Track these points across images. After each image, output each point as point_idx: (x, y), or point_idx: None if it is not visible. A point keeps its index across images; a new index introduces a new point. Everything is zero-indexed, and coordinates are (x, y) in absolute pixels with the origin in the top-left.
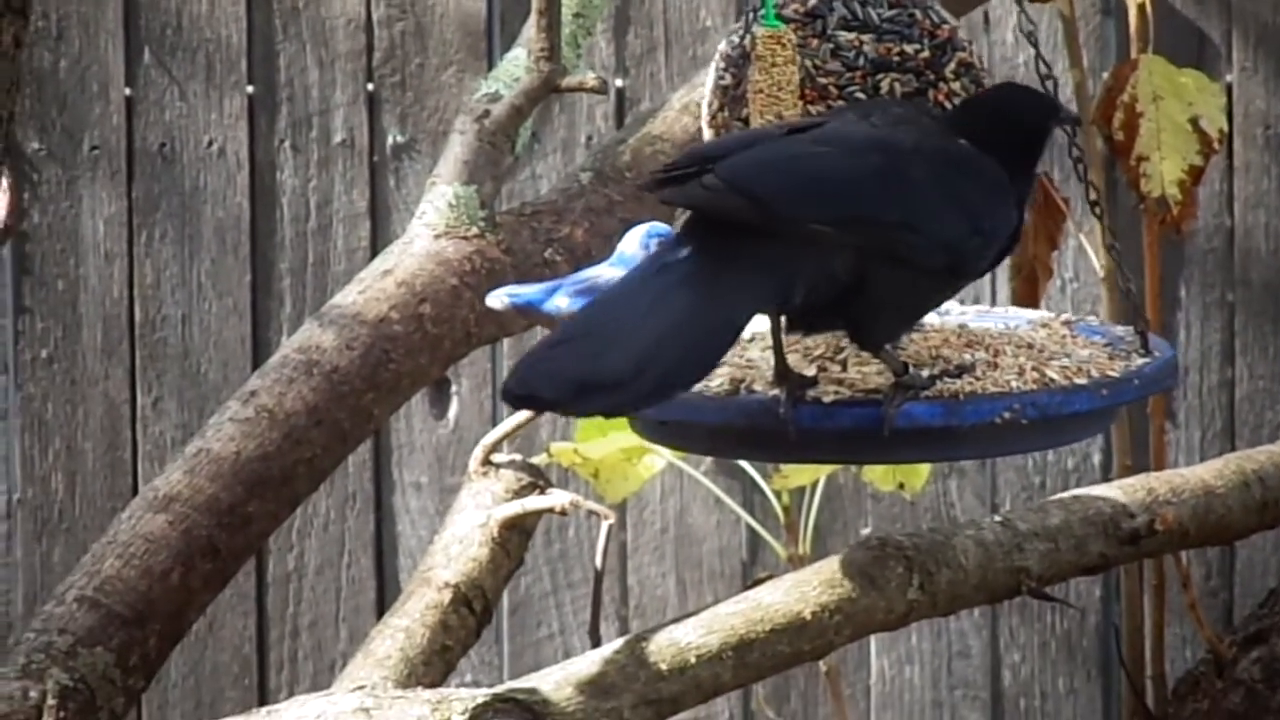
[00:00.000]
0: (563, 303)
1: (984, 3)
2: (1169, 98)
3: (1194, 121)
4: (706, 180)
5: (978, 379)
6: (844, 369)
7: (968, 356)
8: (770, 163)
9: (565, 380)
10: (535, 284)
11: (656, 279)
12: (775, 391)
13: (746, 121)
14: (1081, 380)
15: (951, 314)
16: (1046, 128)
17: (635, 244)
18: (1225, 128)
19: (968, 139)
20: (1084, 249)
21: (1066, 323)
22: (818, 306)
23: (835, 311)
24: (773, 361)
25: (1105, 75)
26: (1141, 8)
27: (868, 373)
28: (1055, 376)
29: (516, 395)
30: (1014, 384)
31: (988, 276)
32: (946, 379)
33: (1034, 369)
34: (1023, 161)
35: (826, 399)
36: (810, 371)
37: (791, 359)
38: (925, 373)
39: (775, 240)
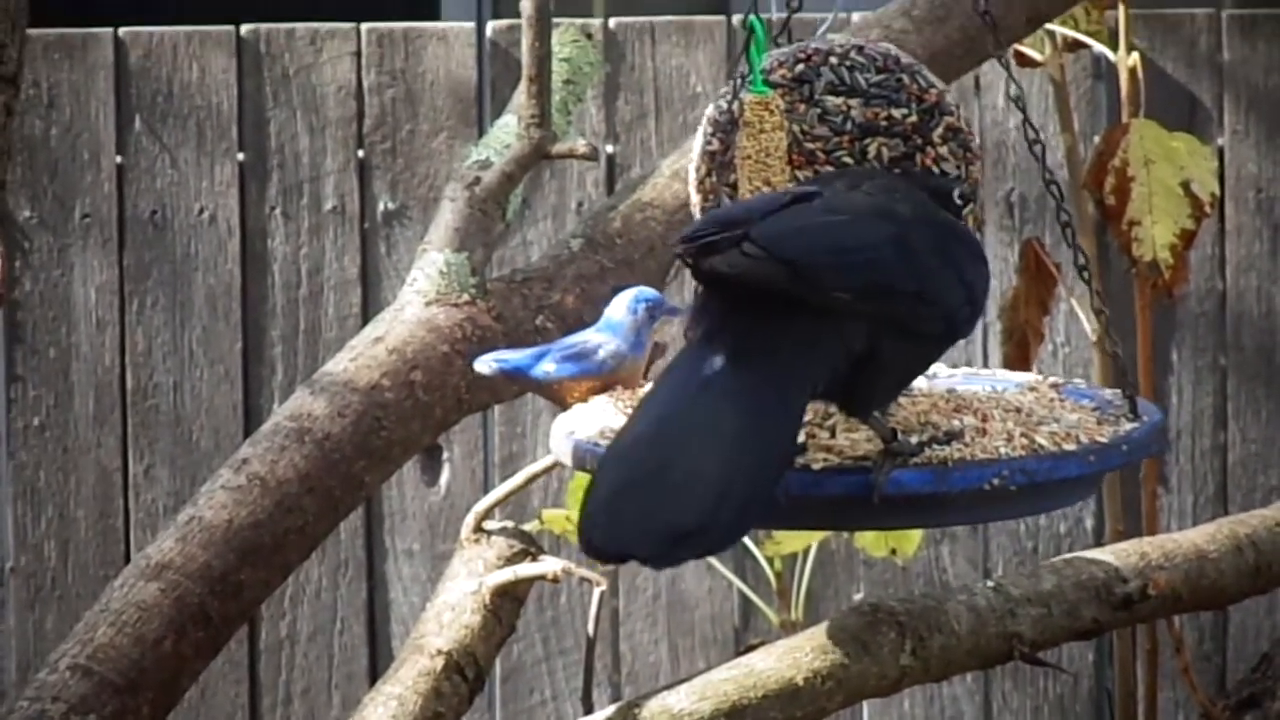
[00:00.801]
0: (550, 368)
1: (975, 67)
2: (1160, 162)
3: (1185, 185)
4: (746, 248)
5: (966, 445)
6: (832, 435)
7: (956, 422)
8: (800, 230)
9: (656, 535)
10: (523, 349)
11: (700, 400)
12: None
13: (734, 187)
14: (1070, 446)
15: (940, 378)
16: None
17: (623, 309)
18: (1217, 191)
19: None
20: (1075, 313)
21: (1055, 386)
22: (832, 386)
23: (840, 384)
24: None
25: (1097, 139)
26: (1133, 72)
27: (856, 439)
28: (1044, 442)
29: (609, 554)
30: (1002, 450)
31: (979, 340)
32: (935, 446)
33: (1023, 434)
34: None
35: (815, 466)
36: (799, 439)
37: None
38: (914, 439)
39: (799, 319)
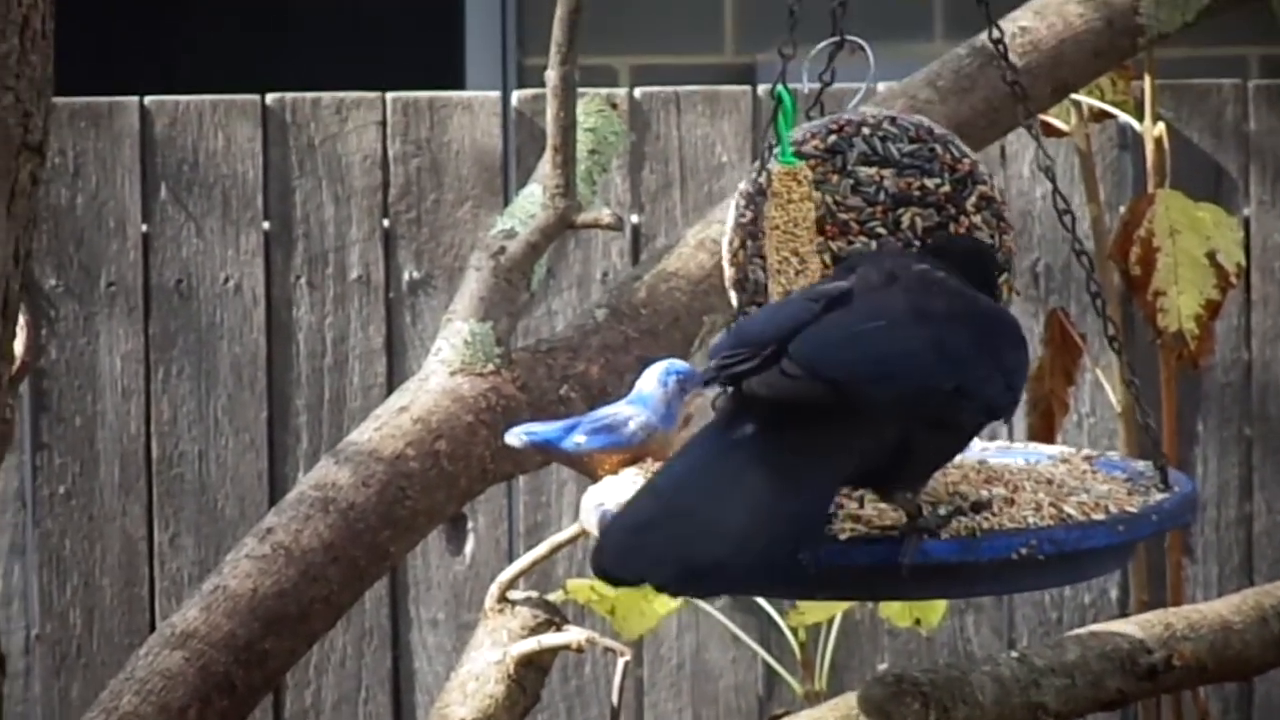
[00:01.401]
0: (580, 440)
1: (999, 137)
2: (1186, 232)
3: (1211, 256)
4: (787, 368)
5: (994, 515)
6: (860, 505)
7: (984, 493)
8: (839, 344)
9: (669, 564)
10: (553, 422)
11: (730, 458)
12: None
13: (765, 258)
14: (1099, 516)
15: (973, 450)
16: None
17: (653, 382)
18: (1243, 262)
19: (954, 272)
20: (1100, 384)
21: (1088, 458)
22: (863, 474)
23: (872, 474)
24: None
25: (1122, 209)
26: (1158, 142)
27: (884, 509)
28: (1072, 512)
29: (618, 578)
30: (1030, 520)
31: None
32: (961, 517)
33: (1051, 504)
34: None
35: (843, 536)
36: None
37: None
38: (942, 510)
39: (836, 416)
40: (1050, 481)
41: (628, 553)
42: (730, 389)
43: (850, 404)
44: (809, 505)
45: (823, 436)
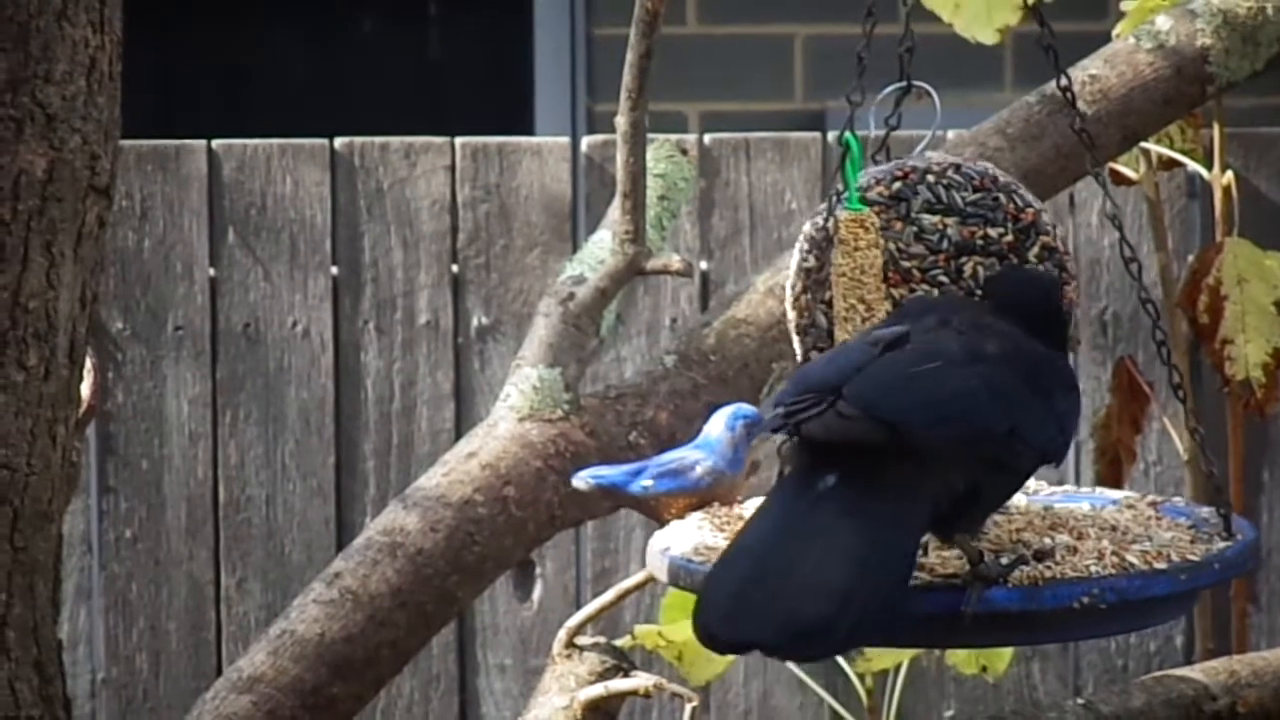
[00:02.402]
0: (648, 484)
1: (1069, 185)
2: (1254, 280)
3: (1278, 304)
4: (843, 409)
5: (1057, 563)
6: (925, 553)
7: (1048, 540)
8: (894, 385)
9: (777, 627)
10: (620, 465)
11: (816, 513)
12: None
13: (830, 304)
14: (1161, 564)
15: (1039, 495)
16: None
17: (721, 426)
18: None
19: (1008, 317)
20: (1168, 432)
21: (1153, 504)
22: (936, 517)
23: (942, 518)
24: None
25: (1190, 258)
26: (1226, 190)
27: (947, 557)
28: (1135, 561)
29: (728, 642)
30: (1093, 568)
31: (1072, 459)
32: (1024, 566)
33: (1114, 553)
34: (1059, 341)
35: (913, 571)
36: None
37: None
38: (1004, 559)
39: (906, 461)
40: (1114, 528)
41: (733, 617)
42: (798, 438)
43: (906, 444)
44: (898, 556)
45: (897, 483)
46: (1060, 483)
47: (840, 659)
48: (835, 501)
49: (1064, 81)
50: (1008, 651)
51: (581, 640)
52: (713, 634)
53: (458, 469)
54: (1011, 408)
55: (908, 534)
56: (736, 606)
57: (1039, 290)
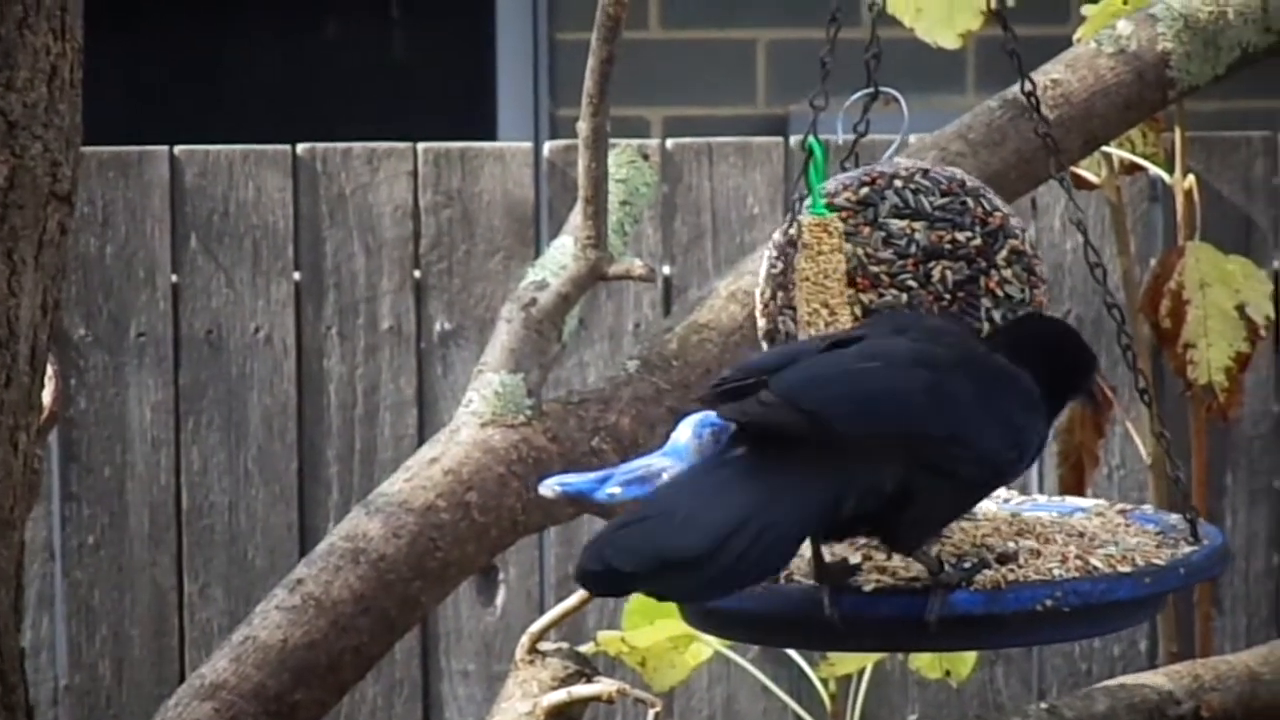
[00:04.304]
0: (615, 491)
1: (1030, 190)
2: (1216, 284)
3: (1241, 308)
4: (764, 396)
5: (1020, 567)
6: (888, 557)
7: (1011, 545)
8: (824, 378)
9: (643, 555)
10: (587, 473)
11: (718, 472)
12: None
13: (796, 309)
14: (1126, 568)
15: (1009, 503)
16: (1081, 387)
17: (688, 434)
18: (1272, 314)
19: (1007, 354)
20: (1130, 436)
21: (1122, 511)
22: (860, 517)
23: (873, 522)
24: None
25: (1152, 262)
26: (1189, 194)
27: (909, 560)
28: (1099, 564)
29: (593, 572)
30: (1056, 572)
31: (1035, 465)
32: (986, 570)
33: (1078, 557)
34: (1056, 389)
35: (868, 588)
36: (855, 559)
37: (837, 546)
38: (967, 564)
39: (827, 452)
40: (1082, 534)
41: (604, 551)
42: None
43: (825, 434)
44: (786, 521)
45: (812, 467)
46: (1024, 487)
47: (804, 663)
48: (739, 465)
49: (1029, 86)
50: (971, 656)
51: (545, 646)
52: (584, 569)
53: (420, 474)
54: (951, 413)
55: (804, 505)
56: (612, 544)
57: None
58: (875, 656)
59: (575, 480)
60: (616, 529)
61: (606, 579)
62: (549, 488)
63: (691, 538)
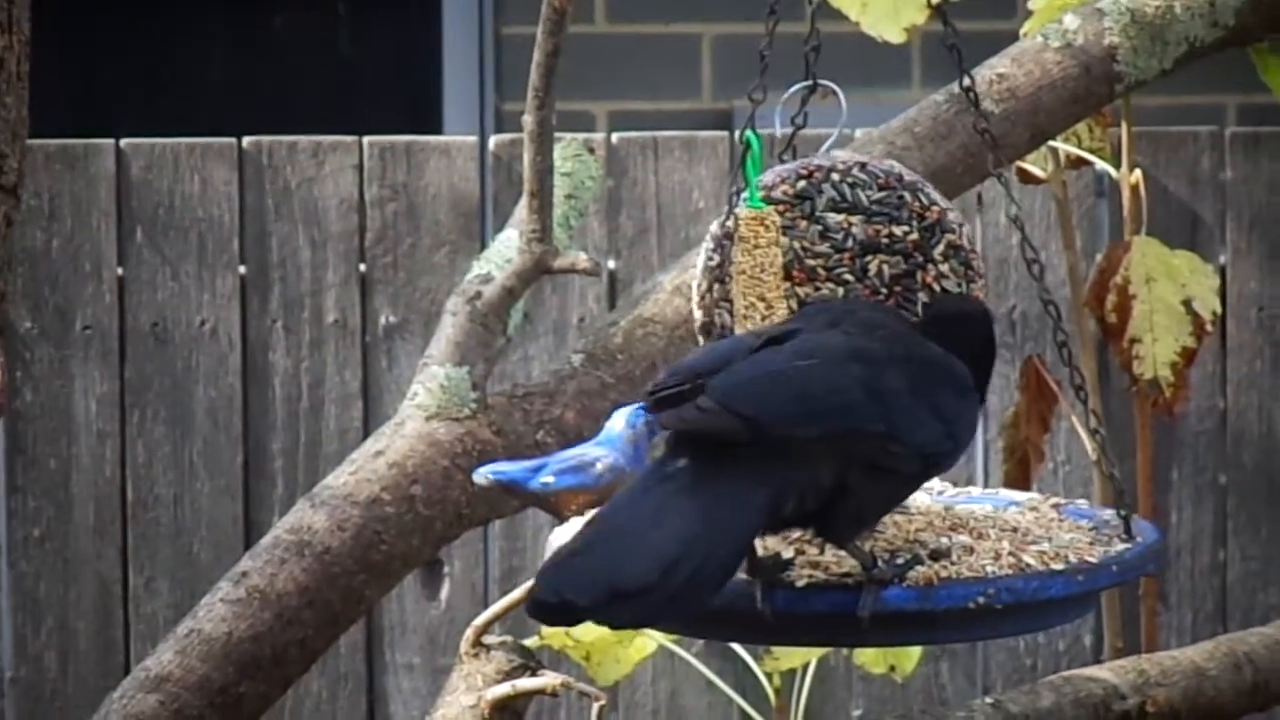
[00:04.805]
0: (549, 480)
1: (978, 184)
2: (1162, 279)
3: (1187, 303)
4: (701, 403)
5: (953, 563)
6: (821, 551)
7: (944, 541)
8: (759, 380)
9: (595, 586)
10: (520, 461)
11: (659, 488)
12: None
13: (733, 302)
14: (1058, 565)
15: (942, 496)
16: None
17: (622, 423)
18: (1218, 309)
19: (935, 340)
20: (1076, 431)
21: (1056, 506)
22: (797, 514)
23: (810, 517)
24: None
25: (1098, 257)
26: (1135, 189)
27: (843, 556)
28: (1032, 561)
29: (548, 605)
30: (989, 569)
31: (980, 459)
32: (919, 566)
33: (1011, 553)
34: (982, 369)
35: (800, 583)
36: (788, 554)
37: (770, 540)
38: (900, 559)
39: (766, 453)
40: (1015, 529)
41: (555, 582)
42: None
43: (763, 437)
44: (731, 534)
45: (752, 470)
46: (969, 481)
47: (748, 658)
48: (680, 479)
49: (967, 82)
50: (916, 651)
51: (489, 639)
52: (536, 600)
53: (365, 468)
54: (888, 409)
55: (746, 515)
56: (561, 573)
57: (974, 320)
58: (820, 651)
59: (509, 468)
60: (566, 558)
61: (560, 611)
62: (483, 476)
63: (640, 565)
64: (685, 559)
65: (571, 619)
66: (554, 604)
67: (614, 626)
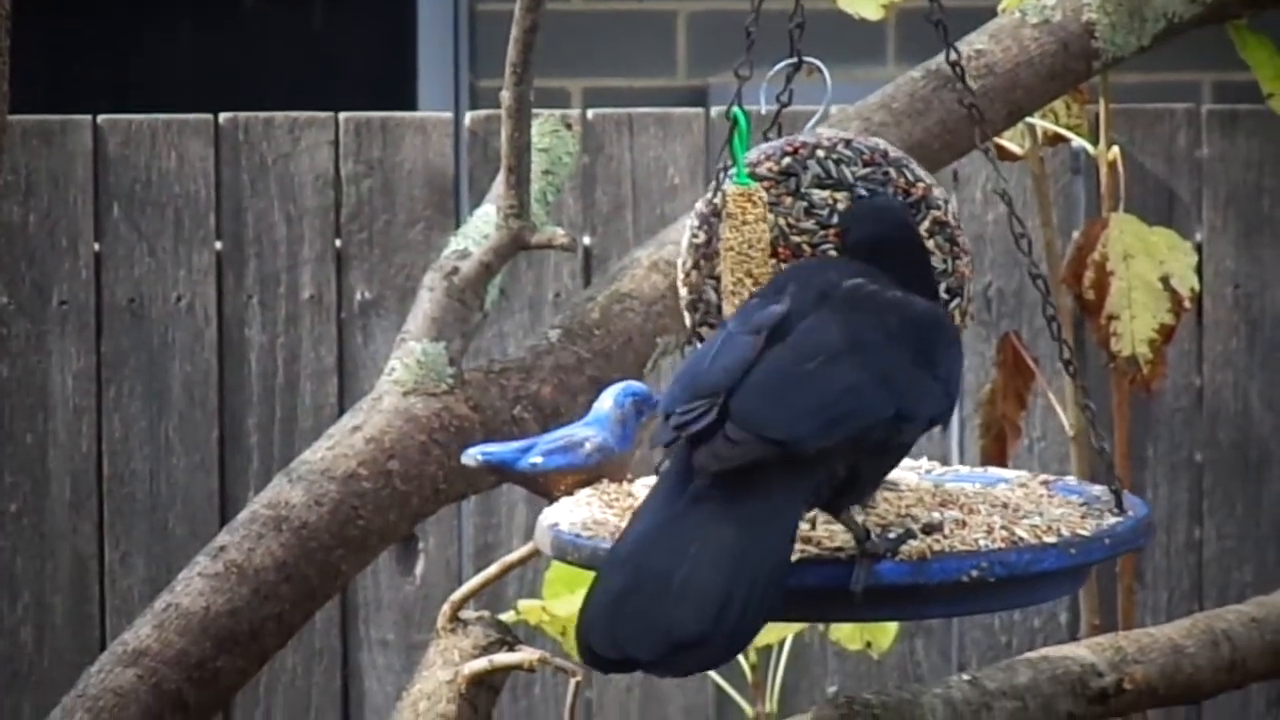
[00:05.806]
0: (537, 461)
1: (953, 160)
2: (1140, 256)
3: (1165, 280)
4: (731, 433)
5: (945, 537)
6: (812, 527)
7: (937, 515)
8: (781, 396)
9: (655, 642)
10: (509, 442)
11: (690, 516)
12: None
13: (719, 280)
14: (1051, 539)
15: (931, 474)
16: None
17: (610, 403)
18: (1196, 286)
19: (865, 261)
20: (1052, 408)
21: (1045, 482)
22: (817, 504)
23: (824, 499)
24: None
25: (1076, 234)
26: (1112, 166)
27: (835, 530)
28: (1024, 535)
29: (609, 661)
30: (982, 542)
31: (956, 435)
32: (912, 540)
33: (1004, 527)
34: (925, 275)
35: (792, 558)
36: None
37: None
38: (893, 534)
39: (791, 462)
40: (1005, 505)
41: (613, 634)
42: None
43: (794, 454)
44: (774, 557)
45: (780, 481)
46: (944, 458)
47: None
48: (710, 502)
49: (954, 56)
50: (892, 627)
51: (466, 614)
52: (596, 654)
53: (342, 443)
54: (897, 391)
55: (783, 530)
56: (616, 624)
57: (893, 224)
58: (796, 627)
59: (497, 449)
60: (615, 604)
61: (622, 666)
62: (471, 457)
63: (695, 611)
64: (736, 594)
65: (630, 670)
66: (615, 660)
67: (679, 674)
